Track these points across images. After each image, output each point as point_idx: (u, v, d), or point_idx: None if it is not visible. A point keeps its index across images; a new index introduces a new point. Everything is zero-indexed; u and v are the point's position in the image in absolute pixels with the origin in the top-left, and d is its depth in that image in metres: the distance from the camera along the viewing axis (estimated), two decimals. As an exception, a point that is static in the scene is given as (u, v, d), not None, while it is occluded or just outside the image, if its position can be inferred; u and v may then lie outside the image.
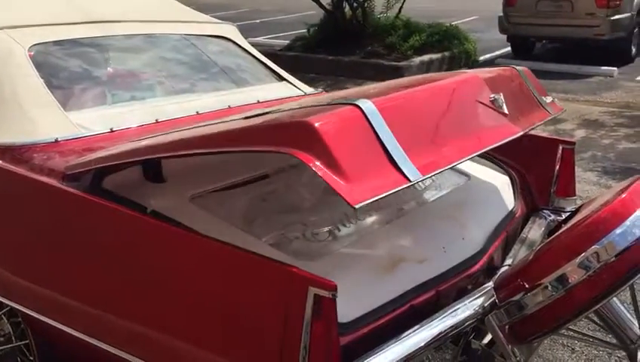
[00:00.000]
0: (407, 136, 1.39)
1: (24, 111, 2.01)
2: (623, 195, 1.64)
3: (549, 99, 2.08)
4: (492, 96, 1.74)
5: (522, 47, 9.56)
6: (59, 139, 1.95)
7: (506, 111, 1.74)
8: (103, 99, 2.34)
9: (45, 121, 2.02)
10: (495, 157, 2.43)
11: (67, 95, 2.20)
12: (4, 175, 1.88)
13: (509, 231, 2.14)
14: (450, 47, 8.67)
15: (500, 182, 2.34)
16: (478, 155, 2.38)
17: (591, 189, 4.54)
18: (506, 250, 2.09)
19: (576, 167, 4.75)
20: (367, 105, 1.37)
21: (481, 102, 1.72)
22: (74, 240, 1.75)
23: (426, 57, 8.41)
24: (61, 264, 1.78)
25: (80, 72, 2.37)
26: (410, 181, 1.32)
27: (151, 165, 1.82)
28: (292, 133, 1.31)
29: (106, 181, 1.75)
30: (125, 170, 1.80)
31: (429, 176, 1.42)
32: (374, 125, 1.35)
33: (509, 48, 9.71)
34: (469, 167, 2.37)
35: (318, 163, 1.23)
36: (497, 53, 9.69)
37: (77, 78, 2.34)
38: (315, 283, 1.29)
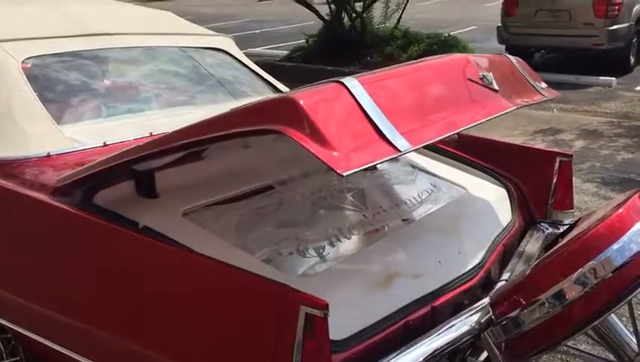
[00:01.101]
0: (394, 111, 1.38)
1: (16, 125, 2.00)
2: (620, 210, 1.62)
3: (543, 85, 2.05)
4: (481, 74, 1.72)
5: (521, 57, 9.50)
6: (51, 154, 1.94)
7: (496, 87, 1.72)
8: (97, 112, 2.32)
9: (38, 135, 2.00)
10: (492, 170, 2.41)
11: (61, 108, 2.19)
12: None
13: (506, 245, 2.12)
14: (448, 58, 8.65)
15: (497, 194, 2.32)
16: (475, 167, 2.41)
17: (590, 200, 4.52)
18: (503, 263, 2.07)
19: (575, 178, 4.76)
20: (351, 82, 1.36)
21: (470, 80, 1.70)
22: (65, 257, 1.73)
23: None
24: (52, 280, 1.76)
25: (74, 85, 2.36)
26: (400, 151, 1.31)
27: (143, 179, 1.80)
28: (276, 111, 1.31)
29: (97, 196, 1.73)
30: (117, 185, 1.78)
31: (419, 146, 1.39)
32: (359, 100, 1.34)
33: (507, 58, 9.71)
34: (466, 179, 2.35)
35: (303, 136, 1.22)
36: (496, 63, 9.69)
37: (71, 92, 2.33)
38: (307, 301, 1.27)
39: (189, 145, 1.52)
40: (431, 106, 1.55)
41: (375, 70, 1.65)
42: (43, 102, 2.09)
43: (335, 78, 1.40)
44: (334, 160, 1.20)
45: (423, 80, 1.62)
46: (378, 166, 2.44)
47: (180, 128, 1.52)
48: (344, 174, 1.19)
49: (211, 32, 3.08)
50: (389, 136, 1.31)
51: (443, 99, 1.61)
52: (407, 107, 1.47)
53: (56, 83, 2.32)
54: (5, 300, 1.86)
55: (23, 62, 2.17)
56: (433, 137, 1.45)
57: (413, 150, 1.36)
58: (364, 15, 8.93)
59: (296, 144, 1.22)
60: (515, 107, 1.74)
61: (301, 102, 1.25)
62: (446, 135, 1.50)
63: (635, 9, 8.81)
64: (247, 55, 3.13)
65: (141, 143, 1.62)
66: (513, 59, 2.04)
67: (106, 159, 1.67)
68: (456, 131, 1.55)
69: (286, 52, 9.85)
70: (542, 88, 2.01)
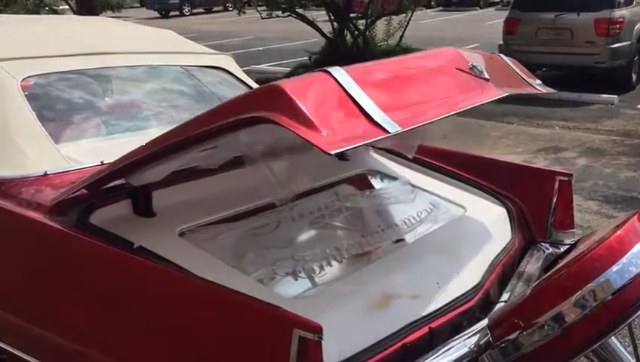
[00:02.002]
0: (381, 96, 1.37)
1: (14, 144, 2.00)
2: (619, 232, 1.60)
3: (538, 81, 2.03)
4: (471, 64, 1.71)
5: (523, 75, 9.59)
6: (48, 173, 1.93)
7: (487, 76, 1.71)
8: (96, 131, 2.33)
9: (35, 154, 2.00)
10: (492, 189, 2.40)
11: (59, 127, 2.19)
12: None
13: (505, 265, 2.10)
14: (450, 75, 8.69)
15: (497, 214, 2.31)
16: (475, 186, 2.40)
17: (592, 218, 4.50)
18: (502, 284, 2.05)
19: (577, 196, 4.76)
20: (337, 70, 1.36)
21: (459, 69, 1.69)
22: (61, 278, 1.72)
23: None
24: (48, 301, 1.75)
25: (73, 103, 2.36)
26: (389, 132, 1.29)
27: (140, 198, 1.79)
28: (263, 99, 1.31)
29: (93, 216, 1.72)
30: (114, 204, 1.77)
31: (410, 128, 1.37)
32: (345, 86, 1.33)
33: (509, 76, 9.74)
34: (465, 198, 2.34)
35: (289, 121, 1.22)
36: (498, 80, 9.73)
37: (70, 110, 2.33)
38: (300, 325, 1.26)
39: (181, 144, 1.50)
40: (419, 92, 1.54)
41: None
42: (41, 120, 2.09)
43: (322, 68, 1.40)
44: (321, 140, 1.19)
45: (410, 68, 1.61)
46: (377, 185, 2.44)
47: (171, 128, 1.51)
48: (331, 153, 1.18)
49: (211, 51, 3.10)
50: (377, 119, 1.30)
51: (432, 85, 1.60)
52: (395, 92, 1.46)
53: (56, 102, 2.32)
54: (0, 321, 1.84)
55: (22, 81, 2.18)
56: (423, 120, 1.43)
57: (403, 131, 1.33)
58: (367, 32, 8.98)
59: (285, 131, 1.22)
60: (506, 93, 1.72)
61: (286, 88, 1.25)
62: (437, 118, 1.48)
63: (636, 28, 8.85)
64: (250, 72, 3.14)
65: (133, 150, 1.60)
66: (505, 57, 2.03)
67: (99, 170, 1.65)
68: (447, 114, 1.53)
69: (289, 69, 9.91)
70: (536, 84, 2.00)
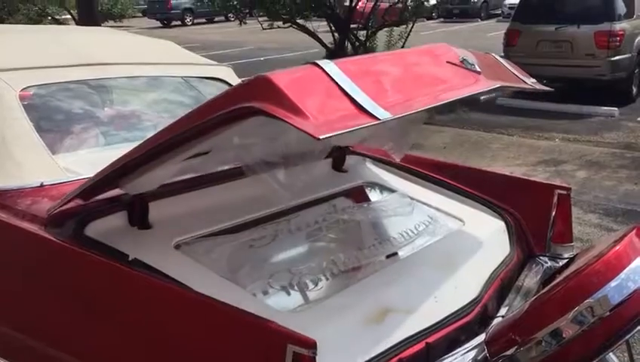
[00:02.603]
0: (371, 87, 1.36)
1: (11, 155, 1.99)
2: (617, 247, 1.59)
3: (531, 80, 2.02)
4: (462, 57, 1.70)
5: (523, 87, 9.61)
6: (44, 184, 1.92)
7: (478, 69, 1.70)
8: (94, 141, 2.32)
9: (32, 165, 1.99)
10: (490, 202, 2.39)
11: (57, 138, 2.19)
12: None
13: (504, 279, 2.09)
14: (451, 87, 8.71)
15: (495, 227, 2.30)
16: (473, 199, 2.39)
17: (592, 231, 4.49)
18: (500, 298, 2.03)
19: (577, 209, 4.75)
20: (326, 63, 1.35)
21: (450, 62, 1.68)
22: (56, 290, 1.71)
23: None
24: (43, 314, 1.74)
25: (72, 114, 2.36)
26: (379, 119, 1.28)
27: (136, 210, 1.79)
28: (251, 90, 1.30)
29: (89, 228, 1.71)
30: (110, 215, 1.77)
31: (400, 116, 1.35)
32: (334, 77, 1.33)
33: (510, 88, 9.76)
34: (464, 211, 2.33)
35: (278, 109, 1.21)
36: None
37: (68, 121, 2.33)
38: (294, 340, 1.25)
39: (171, 143, 1.48)
40: (409, 83, 1.53)
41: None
42: (39, 131, 2.09)
43: (310, 61, 1.40)
44: (310, 126, 1.18)
45: (400, 61, 1.61)
46: (375, 198, 2.43)
47: (159, 131, 1.50)
48: (320, 137, 1.16)
49: (211, 62, 3.10)
50: (366, 106, 1.29)
51: (422, 76, 1.60)
52: (385, 83, 1.45)
53: (54, 112, 2.32)
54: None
55: (20, 91, 2.18)
56: (413, 108, 1.41)
57: (394, 118, 1.32)
58: (368, 44, 9.01)
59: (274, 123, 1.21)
60: (498, 84, 1.71)
61: (273, 78, 1.25)
62: (427, 106, 1.48)
63: (636, 40, 8.87)
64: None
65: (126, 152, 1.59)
66: (498, 56, 2.02)
67: (91, 177, 1.65)
68: (438, 103, 1.51)
69: (289, 80, 9.91)
70: (531, 81, 1.98)
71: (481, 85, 1.65)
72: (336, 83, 1.31)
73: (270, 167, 1.90)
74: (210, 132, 1.42)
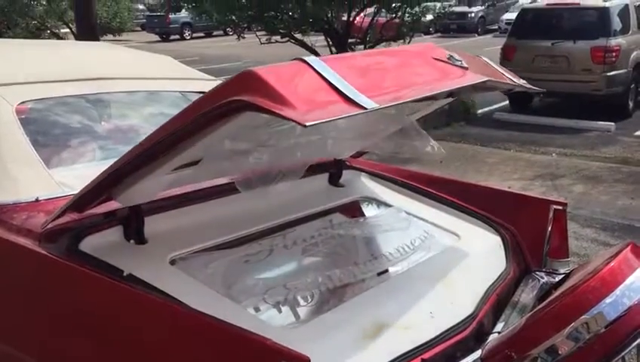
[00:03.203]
0: (358, 80, 1.37)
1: (6, 170, 1.99)
2: (612, 264, 1.59)
3: (522, 81, 2.02)
4: (449, 55, 1.71)
5: (520, 101, 9.67)
6: (40, 199, 1.92)
7: (465, 65, 1.70)
8: (90, 156, 2.32)
9: (27, 179, 1.99)
10: (486, 217, 2.39)
11: (53, 152, 2.19)
12: None
13: (500, 295, 2.08)
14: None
15: (492, 242, 2.30)
16: (469, 214, 2.39)
17: (589, 246, 4.49)
18: (496, 314, 2.03)
19: (574, 223, 4.75)
20: (313, 59, 1.36)
21: (437, 59, 1.68)
22: (51, 306, 1.70)
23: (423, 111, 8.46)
24: (37, 329, 1.73)
25: (68, 129, 2.36)
26: (366, 108, 1.28)
27: (131, 224, 1.78)
28: (237, 84, 1.31)
29: (83, 243, 1.70)
30: (105, 230, 1.76)
31: (387, 106, 1.36)
32: (320, 71, 1.33)
33: (507, 102, 9.81)
34: (460, 226, 2.33)
35: (263, 99, 1.22)
36: (495, 106, 9.79)
37: (65, 135, 2.33)
38: (288, 356, 1.24)
39: (164, 145, 1.48)
40: (396, 77, 1.54)
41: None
42: (35, 146, 2.09)
43: (298, 57, 1.41)
44: (296, 114, 1.19)
45: (386, 58, 1.62)
46: (371, 212, 2.43)
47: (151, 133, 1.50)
48: (307, 124, 1.17)
49: (208, 77, 3.11)
50: (352, 97, 1.30)
51: (408, 71, 1.61)
52: (371, 77, 1.46)
53: (50, 127, 2.32)
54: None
55: (17, 105, 2.18)
56: (400, 99, 1.42)
57: (381, 108, 1.33)
58: (365, 59, 9.03)
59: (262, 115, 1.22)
60: (485, 78, 1.71)
61: (259, 72, 1.26)
62: (414, 97, 1.48)
63: (632, 56, 8.93)
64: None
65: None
66: (487, 58, 2.03)
67: (82, 188, 1.64)
68: (425, 94, 1.52)
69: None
70: (520, 82, 1.99)
71: (469, 79, 1.66)
72: (323, 76, 1.32)
73: (266, 183, 1.90)
74: (200, 131, 1.42)
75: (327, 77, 1.32)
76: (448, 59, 1.69)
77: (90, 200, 1.69)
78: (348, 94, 1.30)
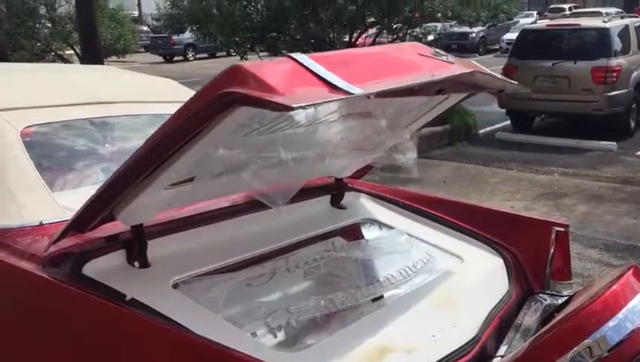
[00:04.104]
0: (344, 71, 1.39)
1: (10, 194, 2.00)
2: (614, 287, 1.59)
3: (511, 81, 2.04)
4: (435, 51, 1.74)
5: (521, 121, 9.69)
6: (44, 223, 1.93)
7: (452, 60, 1.73)
8: (94, 180, 2.33)
9: (31, 203, 2.00)
10: (489, 239, 2.39)
11: (57, 176, 2.20)
12: None
13: (503, 317, 2.08)
14: (449, 121, 8.79)
15: (494, 264, 2.30)
16: (472, 236, 2.39)
17: (592, 267, 4.47)
18: (499, 337, 2.02)
19: (577, 244, 4.73)
20: (299, 55, 1.39)
21: (423, 55, 1.71)
22: (53, 329, 1.70)
23: (425, 131, 8.49)
24: (40, 353, 1.73)
25: (73, 152, 2.38)
26: (352, 94, 1.31)
27: (134, 248, 1.79)
28: (225, 79, 1.34)
29: (86, 267, 1.71)
30: (108, 254, 1.77)
31: (374, 92, 1.38)
32: (307, 65, 1.37)
33: (508, 122, 9.84)
34: (462, 248, 2.33)
35: (252, 90, 1.25)
36: (497, 126, 9.82)
37: (69, 159, 2.35)
38: None
39: (159, 150, 1.50)
40: (382, 69, 1.56)
41: None
42: (39, 169, 2.10)
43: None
44: (284, 99, 1.22)
45: (372, 54, 1.65)
46: (373, 235, 2.43)
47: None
48: (294, 105, 1.19)
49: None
50: (338, 84, 1.33)
51: (394, 64, 1.63)
52: (357, 70, 1.48)
53: (55, 151, 2.34)
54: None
55: (22, 129, 2.20)
56: (386, 86, 1.44)
57: (368, 94, 1.35)
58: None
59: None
60: (472, 69, 1.73)
61: (245, 65, 1.31)
62: (400, 85, 1.50)
63: (633, 76, 8.96)
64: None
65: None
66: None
67: (83, 205, 1.65)
68: (412, 82, 1.54)
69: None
70: (510, 81, 2.00)
71: (455, 69, 1.68)
72: (308, 68, 1.36)
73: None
74: (192, 131, 1.44)
75: (312, 69, 1.36)
76: (434, 54, 1.72)
77: (90, 218, 1.70)
78: (333, 82, 1.34)
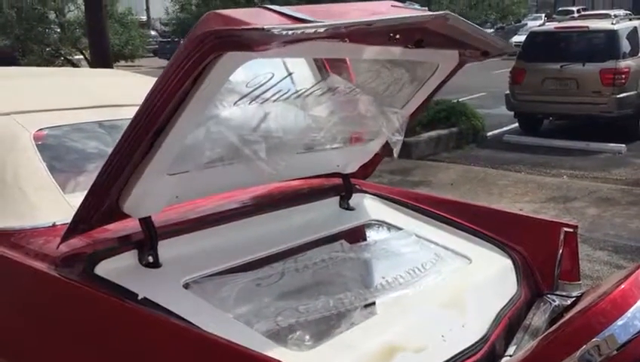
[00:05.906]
0: (312, 13, 1.49)
1: (24, 196, 2.03)
2: (623, 286, 1.60)
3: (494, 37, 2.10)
4: (408, 2, 1.86)
5: (529, 124, 9.67)
6: (57, 223, 1.95)
7: (424, 9, 1.83)
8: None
9: (44, 205, 2.03)
10: (497, 240, 2.40)
11: (69, 178, 2.23)
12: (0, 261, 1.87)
13: (511, 318, 2.09)
14: (457, 123, 8.79)
15: (503, 265, 2.30)
16: (480, 237, 2.40)
17: (602, 269, 4.46)
18: (508, 337, 2.03)
19: (587, 246, 4.72)
20: (271, 5, 1.52)
21: (395, 6, 1.80)
22: (67, 330, 1.71)
23: (433, 133, 8.50)
24: (54, 353, 1.74)
25: (84, 154, 2.40)
26: (319, 23, 1.43)
27: (145, 248, 1.81)
28: (203, 23, 1.44)
29: (99, 267, 1.73)
30: (120, 254, 1.79)
31: (339, 24, 1.50)
32: (277, 9, 1.49)
33: (516, 124, 9.82)
34: (471, 249, 2.34)
35: (226, 26, 1.37)
36: (505, 128, 9.80)
37: (80, 161, 2.37)
38: None
39: (151, 115, 1.57)
40: (351, 13, 1.63)
41: None
42: (52, 171, 2.13)
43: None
44: (255, 26, 1.34)
45: (342, 5, 1.70)
46: (382, 236, 2.44)
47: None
48: (265, 27, 1.31)
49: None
50: (305, 18, 1.45)
51: (363, 10, 1.70)
52: (323, 12, 1.56)
53: (67, 153, 2.37)
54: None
55: (34, 132, 2.23)
56: (357, 19, 1.56)
57: (332, 25, 1.47)
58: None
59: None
60: (444, 13, 1.75)
61: (221, 11, 1.44)
62: (369, 20, 1.59)
63: (642, 77, 8.93)
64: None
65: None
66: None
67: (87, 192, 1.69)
68: (377, 18, 1.61)
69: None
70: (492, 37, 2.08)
71: (426, 13, 1.75)
72: (278, 11, 1.48)
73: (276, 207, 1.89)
74: (180, 88, 1.50)
75: (282, 10, 1.48)
76: (407, 5, 1.82)
77: (95, 205, 1.72)
78: (299, 17, 1.46)
